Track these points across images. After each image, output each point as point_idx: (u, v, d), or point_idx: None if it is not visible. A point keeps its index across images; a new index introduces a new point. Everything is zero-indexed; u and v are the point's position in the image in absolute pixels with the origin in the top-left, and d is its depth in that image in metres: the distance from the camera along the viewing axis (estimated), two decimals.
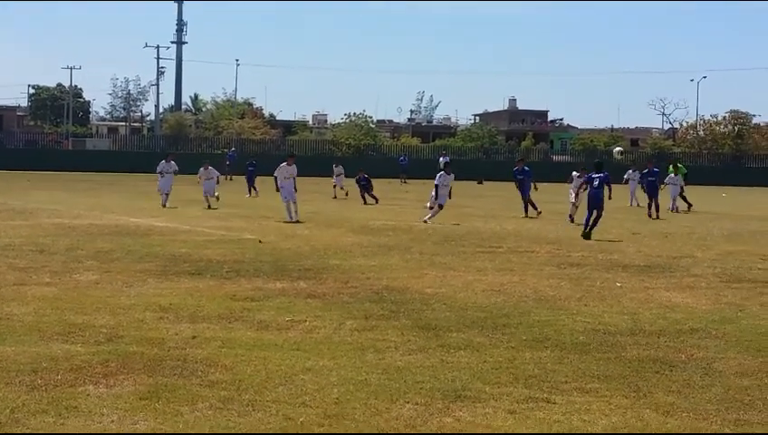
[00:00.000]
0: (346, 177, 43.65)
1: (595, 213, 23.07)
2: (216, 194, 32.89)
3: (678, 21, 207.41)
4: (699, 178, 63.21)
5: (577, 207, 28.21)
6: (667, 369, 9.19)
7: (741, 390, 8.45)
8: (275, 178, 27.07)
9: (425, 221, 26.24)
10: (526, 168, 32.31)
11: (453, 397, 7.95)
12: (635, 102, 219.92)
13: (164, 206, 31.63)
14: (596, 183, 23.37)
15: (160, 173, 33.62)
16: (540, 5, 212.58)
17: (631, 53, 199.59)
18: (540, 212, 30.43)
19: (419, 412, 7.52)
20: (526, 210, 30.70)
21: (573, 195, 28.75)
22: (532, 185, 31.50)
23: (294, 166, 27.31)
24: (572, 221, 27.53)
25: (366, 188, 39.24)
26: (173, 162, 34.52)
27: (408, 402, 7.76)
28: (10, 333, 10.11)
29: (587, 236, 22.56)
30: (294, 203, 26.47)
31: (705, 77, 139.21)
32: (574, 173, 29.56)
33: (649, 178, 34.05)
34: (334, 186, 43.22)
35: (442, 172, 27.64)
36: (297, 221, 25.65)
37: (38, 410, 7.29)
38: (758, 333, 11.16)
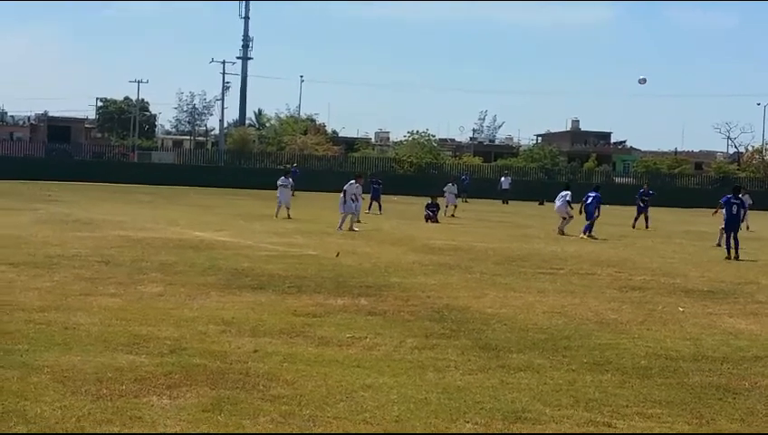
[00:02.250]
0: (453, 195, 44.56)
1: (732, 236, 23.08)
2: None
3: (745, 43, 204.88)
4: (765, 204, 62.11)
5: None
6: (730, 396, 9.09)
7: None
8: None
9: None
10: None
11: (513, 418, 7.93)
12: (699, 126, 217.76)
13: (276, 216, 34.05)
14: (734, 209, 23.27)
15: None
16: (606, 27, 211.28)
17: (697, 75, 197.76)
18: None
19: (479, 432, 7.52)
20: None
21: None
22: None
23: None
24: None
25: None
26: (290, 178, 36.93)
27: (468, 422, 7.76)
28: (76, 342, 10.28)
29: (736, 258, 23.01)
30: None
31: None
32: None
33: (644, 198, 39.11)
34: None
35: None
36: None
37: (103, 419, 7.41)
38: None
